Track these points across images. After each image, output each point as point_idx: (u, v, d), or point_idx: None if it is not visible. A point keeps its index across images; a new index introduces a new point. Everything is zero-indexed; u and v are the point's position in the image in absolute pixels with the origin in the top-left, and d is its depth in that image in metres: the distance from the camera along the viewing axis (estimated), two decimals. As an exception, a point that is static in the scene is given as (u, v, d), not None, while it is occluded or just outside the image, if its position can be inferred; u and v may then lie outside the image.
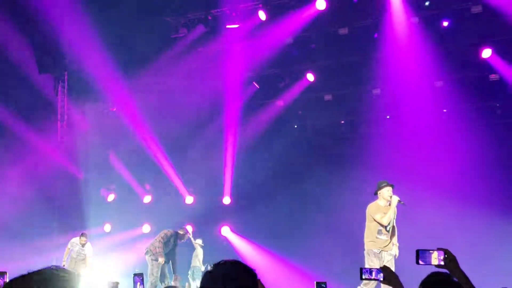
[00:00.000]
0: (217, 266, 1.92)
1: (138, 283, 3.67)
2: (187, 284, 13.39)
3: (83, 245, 12.32)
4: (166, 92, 14.04)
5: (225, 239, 15.69)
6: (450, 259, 3.21)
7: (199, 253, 14.32)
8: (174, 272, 11.76)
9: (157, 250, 11.31)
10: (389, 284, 3.59)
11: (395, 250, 8.65)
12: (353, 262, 9.58)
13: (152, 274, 11.27)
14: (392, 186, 8.64)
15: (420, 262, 3.29)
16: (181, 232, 11.95)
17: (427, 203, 12.97)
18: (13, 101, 13.21)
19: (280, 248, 14.23)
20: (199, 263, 14.25)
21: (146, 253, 11.50)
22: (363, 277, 3.78)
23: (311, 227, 14.25)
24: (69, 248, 12.34)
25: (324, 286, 3.82)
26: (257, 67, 13.36)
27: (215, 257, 12.26)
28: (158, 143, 14.92)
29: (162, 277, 11.47)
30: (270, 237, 14.65)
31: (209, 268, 1.96)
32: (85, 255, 12.34)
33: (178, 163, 15.26)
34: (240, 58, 13.06)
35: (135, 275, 3.73)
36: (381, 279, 3.64)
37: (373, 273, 3.72)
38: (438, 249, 3.25)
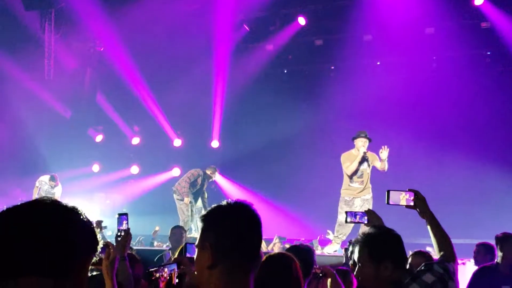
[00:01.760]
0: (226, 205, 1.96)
1: (125, 222, 3.61)
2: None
3: (52, 187, 12.23)
4: (155, 33, 13.80)
5: (214, 181, 15.77)
6: (419, 200, 3.28)
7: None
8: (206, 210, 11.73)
9: (183, 190, 11.12)
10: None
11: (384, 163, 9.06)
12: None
13: (183, 213, 11.15)
14: (368, 139, 9.22)
15: (391, 202, 3.36)
16: (209, 171, 11.67)
17: (415, 150, 13.11)
18: (-1, 38, 12.99)
19: (268, 191, 14.36)
20: (202, 204, 14.42)
21: (174, 192, 11.33)
22: (348, 220, 3.84)
23: (300, 170, 14.37)
24: (37, 187, 12.18)
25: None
26: (248, 9, 13.12)
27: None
28: (147, 85, 14.81)
29: (191, 218, 11.32)
30: (258, 180, 14.77)
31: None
32: (54, 193, 12.23)
33: (166, 105, 15.18)
34: (230, -2, 12.83)
35: (120, 214, 3.65)
36: (366, 222, 3.70)
37: (358, 217, 3.78)
38: (409, 190, 3.31)
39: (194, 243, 3.76)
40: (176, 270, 2.83)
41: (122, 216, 3.61)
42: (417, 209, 3.26)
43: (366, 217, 3.68)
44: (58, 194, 12.29)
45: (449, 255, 3.06)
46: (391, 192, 3.36)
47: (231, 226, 1.88)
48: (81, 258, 1.43)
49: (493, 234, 5.79)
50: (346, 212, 3.86)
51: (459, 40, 12.40)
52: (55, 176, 12.23)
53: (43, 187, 12.20)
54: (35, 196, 12.01)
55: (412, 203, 3.28)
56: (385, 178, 9.25)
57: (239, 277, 1.87)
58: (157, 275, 2.75)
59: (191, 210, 11.29)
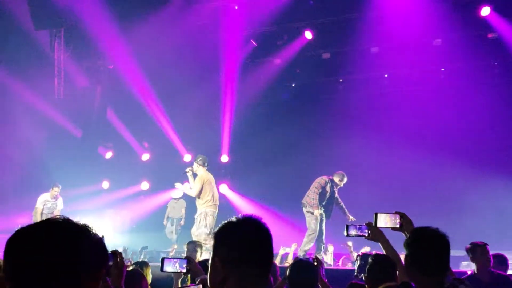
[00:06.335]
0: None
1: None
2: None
3: (55, 198, 12.15)
4: (164, 49, 13.90)
5: (223, 196, 15.77)
6: (406, 222, 3.25)
7: (183, 204, 14.48)
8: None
9: (312, 201, 10.31)
10: (374, 239, 3.60)
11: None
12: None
13: (311, 227, 10.29)
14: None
15: (378, 224, 3.33)
16: (336, 178, 10.58)
17: (424, 161, 13.05)
18: (9, 57, 13.13)
19: (278, 205, 14.31)
20: (180, 215, 14.37)
21: (303, 206, 10.54)
22: (352, 233, 3.75)
23: (309, 184, 14.32)
24: (38, 208, 11.94)
25: None
26: (255, 24, 13.18)
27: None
28: (157, 101, 14.89)
29: (319, 233, 10.39)
30: (269, 194, 14.74)
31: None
32: (55, 207, 12.15)
33: (176, 121, 15.25)
34: (237, 14, 12.89)
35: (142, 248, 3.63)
36: (366, 234, 3.65)
37: (359, 230, 3.71)
38: (396, 213, 3.29)
39: (171, 258, 3.74)
40: None
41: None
42: (404, 232, 3.23)
43: (367, 230, 3.62)
44: (60, 206, 12.22)
45: None
46: (378, 215, 3.33)
47: (240, 238, 1.90)
48: (92, 271, 1.56)
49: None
50: (347, 225, 3.74)
51: (466, 51, 12.37)
52: (57, 184, 12.14)
53: (46, 205, 12.12)
54: (38, 217, 11.71)
55: (398, 226, 3.25)
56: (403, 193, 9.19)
57: None
58: None
59: (321, 225, 10.44)
